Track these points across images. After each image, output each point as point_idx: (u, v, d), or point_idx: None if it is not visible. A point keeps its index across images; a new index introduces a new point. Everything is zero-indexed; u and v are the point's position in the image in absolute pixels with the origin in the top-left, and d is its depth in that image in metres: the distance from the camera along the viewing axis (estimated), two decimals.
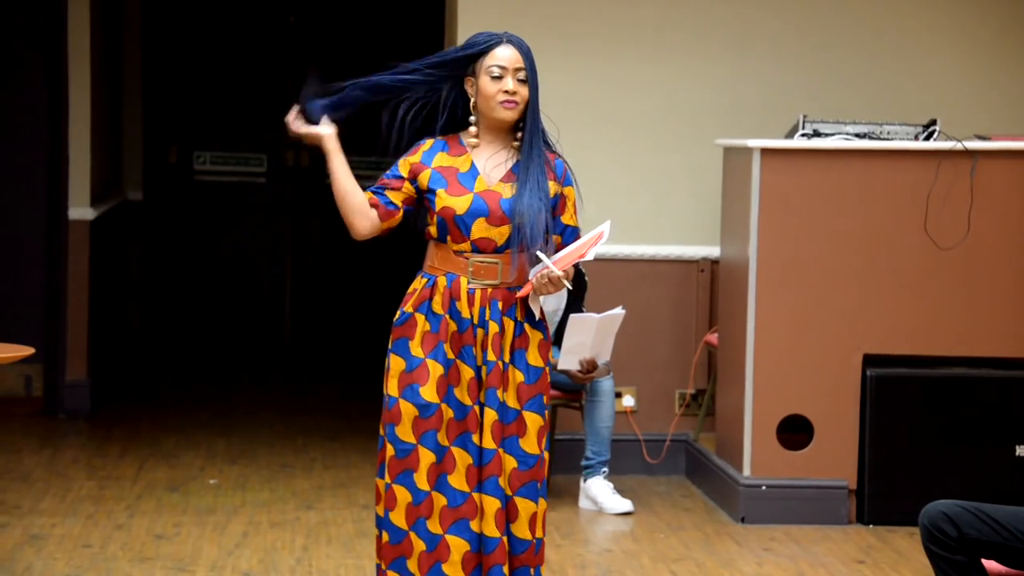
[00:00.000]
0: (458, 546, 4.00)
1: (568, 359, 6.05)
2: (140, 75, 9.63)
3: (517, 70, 4.01)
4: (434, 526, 4.01)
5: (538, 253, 3.97)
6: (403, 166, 4.10)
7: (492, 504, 3.99)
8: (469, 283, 4.02)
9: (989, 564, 4.05)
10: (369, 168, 10.66)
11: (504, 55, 4.01)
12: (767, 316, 6.13)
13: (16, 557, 5.43)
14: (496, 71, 4.01)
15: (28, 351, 5.06)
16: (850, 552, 5.79)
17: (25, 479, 6.56)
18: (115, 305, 9.10)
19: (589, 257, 3.99)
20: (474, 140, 4.07)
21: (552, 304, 6.25)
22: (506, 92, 4.00)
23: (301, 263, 9.94)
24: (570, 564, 5.55)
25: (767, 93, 6.87)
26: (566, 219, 4.08)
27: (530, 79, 4.02)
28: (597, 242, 3.97)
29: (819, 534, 6.02)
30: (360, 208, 4.11)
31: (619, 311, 6.29)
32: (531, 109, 4.02)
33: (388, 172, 4.13)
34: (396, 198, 4.09)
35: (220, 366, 9.54)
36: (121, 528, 5.83)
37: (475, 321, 4.02)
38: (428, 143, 4.10)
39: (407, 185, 4.08)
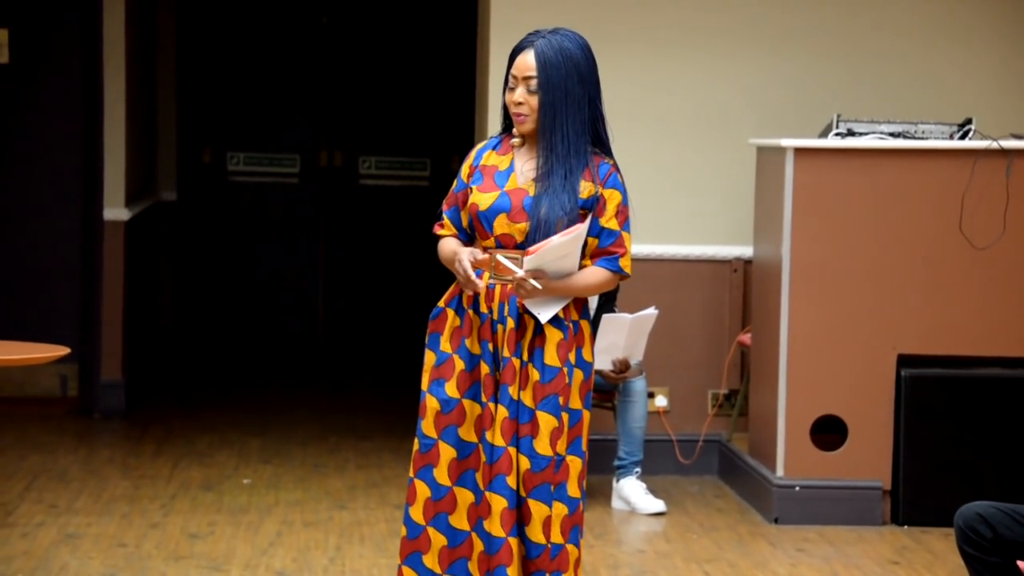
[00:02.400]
0: (477, 546, 4.01)
1: (601, 359, 6.05)
2: (174, 76, 9.66)
3: (527, 79, 3.98)
4: (459, 522, 4.00)
5: (498, 257, 3.96)
6: (464, 172, 4.11)
7: (499, 503, 3.95)
8: (490, 278, 4.02)
9: None
10: (402, 168, 10.71)
11: (519, 62, 4.00)
12: (800, 316, 6.11)
13: (52, 556, 5.46)
14: (511, 81, 4.02)
15: (63, 351, 5.09)
16: (884, 553, 5.77)
17: (61, 478, 6.59)
18: (150, 305, 9.14)
19: (555, 244, 3.90)
20: (517, 140, 4.08)
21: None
22: (515, 104, 4.00)
23: (334, 263, 9.96)
24: (603, 564, 5.55)
25: (800, 93, 6.85)
26: (603, 221, 4.01)
27: (544, 84, 3.95)
28: (564, 235, 3.91)
29: (853, 535, 6.00)
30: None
31: (652, 311, 6.28)
32: (544, 112, 3.96)
33: (456, 186, 4.12)
34: (467, 218, 4.09)
35: (254, 366, 9.57)
36: (156, 527, 5.86)
37: (494, 316, 4.01)
38: (483, 143, 4.14)
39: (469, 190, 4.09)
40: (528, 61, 3.98)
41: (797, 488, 6.13)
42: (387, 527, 5.94)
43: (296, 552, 5.58)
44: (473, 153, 4.12)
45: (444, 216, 4.12)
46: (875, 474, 6.15)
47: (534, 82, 3.98)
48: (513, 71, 4.01)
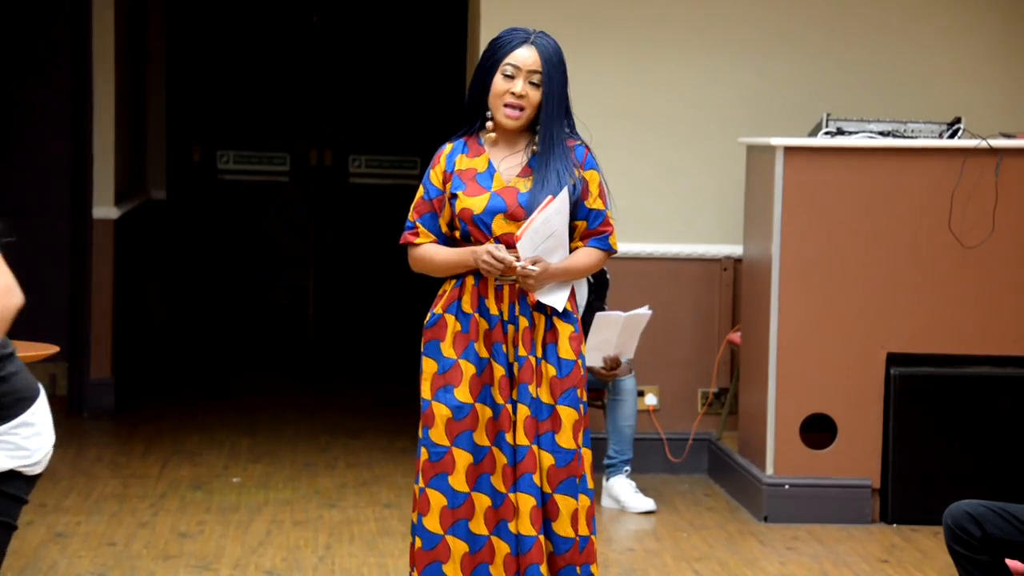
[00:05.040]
0: (501, 548, 3.99)
1: (592, 356, 6.06)
2: (164, 74, 9.65)
3: (531, 72, 3.97)
4: (478, 527, 3.99)
5: (492, 252, 3.95)
6: (436, 178, 4.06)
7: (527, 502, 3.96)
8: (496, 280, 4.02)
9: (1013, 564, 4.04)
10: (392, 167, 10.70)
11: (521, 56, 3.98)
12: (790, 315, 6.12)
13: (41, 555, 5.45)
14: (509, 70, 3.99)
15: (53, 350, 5.08)
16: (874, 551, 5.78)
17: (50, 477, 6.58)
18: (139, 304, 9.13)
19: (539, 222, 3.90)
20: (492, 135, 4.06)
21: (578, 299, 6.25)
22: (513, 94, 3.97)
23: (324, 262, 9.96)
24: None
25: (791, 91, 6.85)
26: (590, 203, 4.04)
27: (547, 83, 3.96)
28: (543, 208, 3.92)
29: (842, 533, 6.01)
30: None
31: (646, 311, 6.29)
32: (546, 111, 3.97)
33: (426, 193, 4.07)
34: (444, 224, 4.07)
35: (243, 364, 9.56)
36: (145, 526, 5.85)
37: (504, 317, 4.01)
38: (448, 147, 4.09)
39: (447, 197, 4.06)
40: (533, 56, 3.98)
41: (787, 486, 6.14)
42: (377, 526, 5.93)
43: (286, 551, 5.58)
44: (442, 159, 4.06)
45: (417, 224, 4.06)
46: (864, 472, 6.16)
47: (537, 77, 3.98)
48: (514, 62, 3.98)
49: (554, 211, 3.94)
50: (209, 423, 7.77)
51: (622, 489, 6.30)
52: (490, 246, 3.95)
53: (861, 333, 6.12)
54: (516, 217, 3.98)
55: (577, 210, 4.02)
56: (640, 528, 6.07)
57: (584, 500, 4.02)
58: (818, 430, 6.20)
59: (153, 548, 5.57)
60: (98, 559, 5.42)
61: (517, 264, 3.93)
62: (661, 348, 6.84)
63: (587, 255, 4.06)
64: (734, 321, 6.88)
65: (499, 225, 3.99)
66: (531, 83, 3.98)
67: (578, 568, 4.01)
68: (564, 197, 3.95)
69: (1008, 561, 4.01)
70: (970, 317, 6.14)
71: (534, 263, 3.94)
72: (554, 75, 3.97)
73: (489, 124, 4.05)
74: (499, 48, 4.01)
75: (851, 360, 6.12)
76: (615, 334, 6.16)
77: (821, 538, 5.94)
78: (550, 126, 3.98)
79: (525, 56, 3.98)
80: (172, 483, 6.53)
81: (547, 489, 3.99)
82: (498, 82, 4.00)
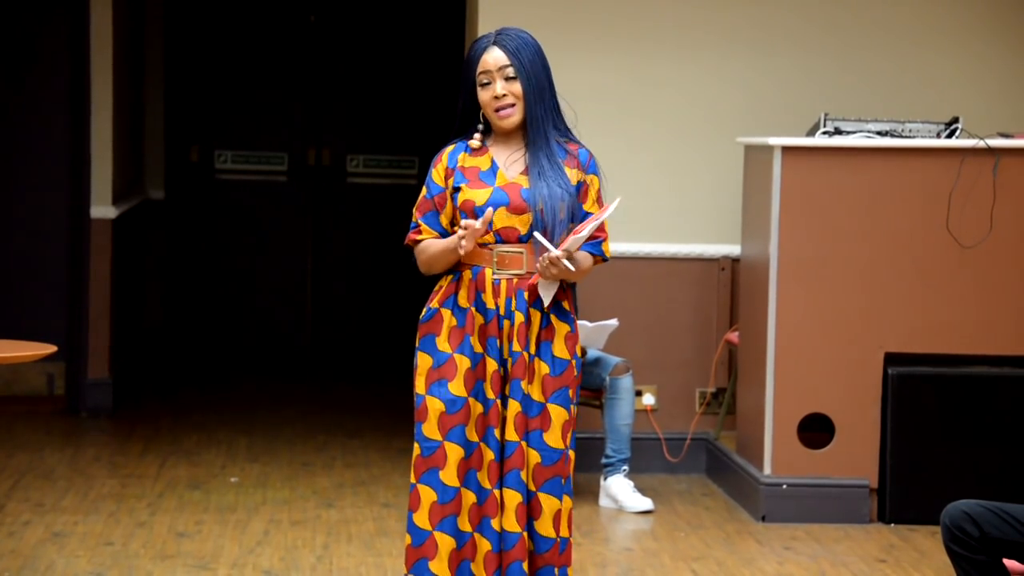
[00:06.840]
0: (483, 545, 3.99)
1: None
2: (162, 74, 9.65)
3: (502, 68, 3.99)
4: (464, 523, 3.99)
5: (536, 235, 3.95)
6: (437, 176, 4.08)
7: (513, 498, 3.96)
8: (494, 274, 4.02)
9: (1010, 564, 4.04)
10: (390, 167, 10.70)
11: (488, 59, 4.00)
12: (788, 314, 6.12)
13: (39, 554, 5.46)
14: (484, 79, 4.01)
15: (50, 349, 5.08)
16: (871, 551, 5.78)
17: (47, 477, 6.58)
18: (137, 303, 9.13)
19: (584, 233, 3.92)
20: (476, 142, 4.07)
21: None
22: (495, 98, 3.99)
23: (322, 262, 9.96)
24: (590, 563, 5.55)
25: (789, 91, 6.86)
26: (588, 207, 4.06)
27: (522, 72, 3.98)
28: (600, 216, 3.94)
29: (840, 533, 6.01)
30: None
31: (613, 322, 6.34)
32: (529, 98, 3.98)
33: (428, 192, 4.09)
34: (446, 221, 4.07)
35: (241, 364, 9.56)
36: (143, 526, 5.85)
37: (500, 312, 4.01)
38: (450, 147, 4.11)
39: (449, 192, 4.07)
40: (497, 55, 4.00)
41: (784, 486, 6.14)
42: (375, 525, 5.94)
43: (283, 551, 5.58)
44: (444, 157, 4.09)
45: (420, 223, 4.09)
46: (862, 472, 6.16)
47: (511, 70, 3.99)
48: (483, 68, 4.00)
49: (606, 215, 3.95)
50: (207, 423, 7.77)
51: (620, 489, 6.31)
52: (466, 221, 3.93)
53: (859, 333, 6.13)
54: (519, 210, 3.99)
55: (577, 213, 4.04)
56: (638, 528, 6.08)
57: (567, 502, 4.03)
58: (816, 430, 6.20)
59: (151, 548, 5.57)
60: (96, 559, 5.42)
61: (555, 252, 3.91)
62: (659, 348, 6.84)
63: (584, 259, 4.07)
64: (732, 321, 6.88)
65: (501, 217, 4.00)
66: (507, 78, 3.99)
67: (556, 570, 4.01)
68: (616, 205, 3.97)
69: (1006, 561, 4.01)
70: (968, 317, 6.14)
71: (568, 257, 3.93)
72: (524, 60, 3.98)
73: (477, 135, 4.06)
74: (469, 65, 4.04)
75: (849, 360, 6.13)
76: (581, 337, 6.25)
77: (819, 538, 5.94)
78: (541, 110, 3.99)
79: (491, 58, 4.01)
80: (170, 483, 6.53)
81: (531, 487, 3.99)
82: (481, 95, 4.03)
